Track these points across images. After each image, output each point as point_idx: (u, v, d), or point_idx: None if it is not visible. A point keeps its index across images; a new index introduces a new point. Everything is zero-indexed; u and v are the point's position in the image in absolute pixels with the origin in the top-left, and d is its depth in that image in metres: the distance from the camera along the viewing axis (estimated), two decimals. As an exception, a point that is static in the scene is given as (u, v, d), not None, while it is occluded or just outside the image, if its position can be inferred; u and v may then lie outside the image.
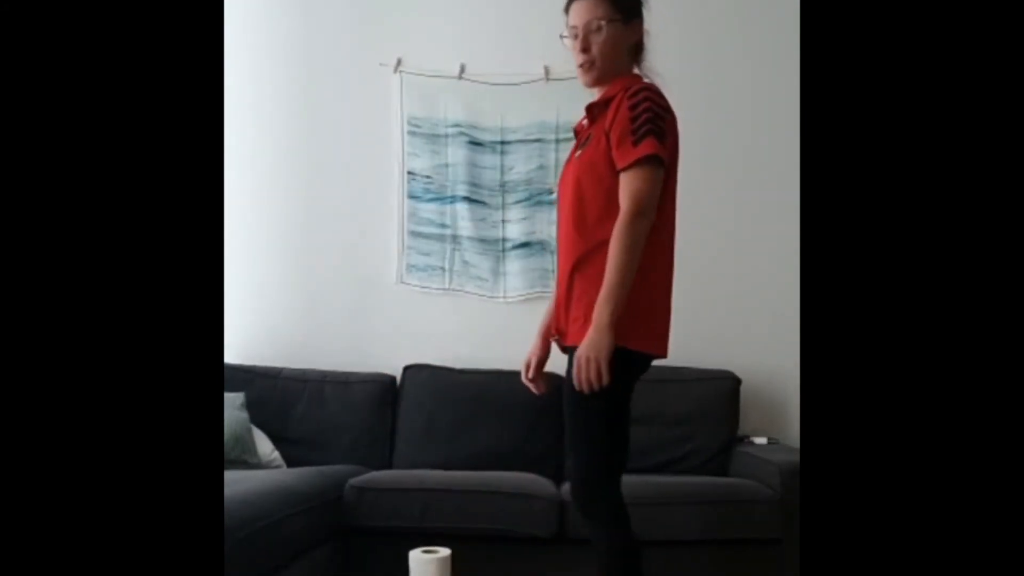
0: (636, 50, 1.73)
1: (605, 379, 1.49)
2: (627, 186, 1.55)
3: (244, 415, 2.72)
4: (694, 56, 3.18)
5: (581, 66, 1.70)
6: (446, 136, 3.17)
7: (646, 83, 1.67)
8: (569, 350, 1.65)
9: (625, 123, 1.57)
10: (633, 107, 1.57)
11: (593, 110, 1.71)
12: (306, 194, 3.22)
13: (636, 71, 1.74)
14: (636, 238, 1.52)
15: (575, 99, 3.11)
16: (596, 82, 1.71)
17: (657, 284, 1.62)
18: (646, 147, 1.54)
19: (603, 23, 1.65)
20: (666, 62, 3.40)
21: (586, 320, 1.56)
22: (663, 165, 1.57)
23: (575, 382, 1.53)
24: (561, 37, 1.73)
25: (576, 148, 1.74)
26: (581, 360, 1.50)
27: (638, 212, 1.53)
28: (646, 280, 1.57)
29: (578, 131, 1.80)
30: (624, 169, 1.56)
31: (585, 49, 1.67)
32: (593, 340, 1.50)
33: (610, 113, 1.61)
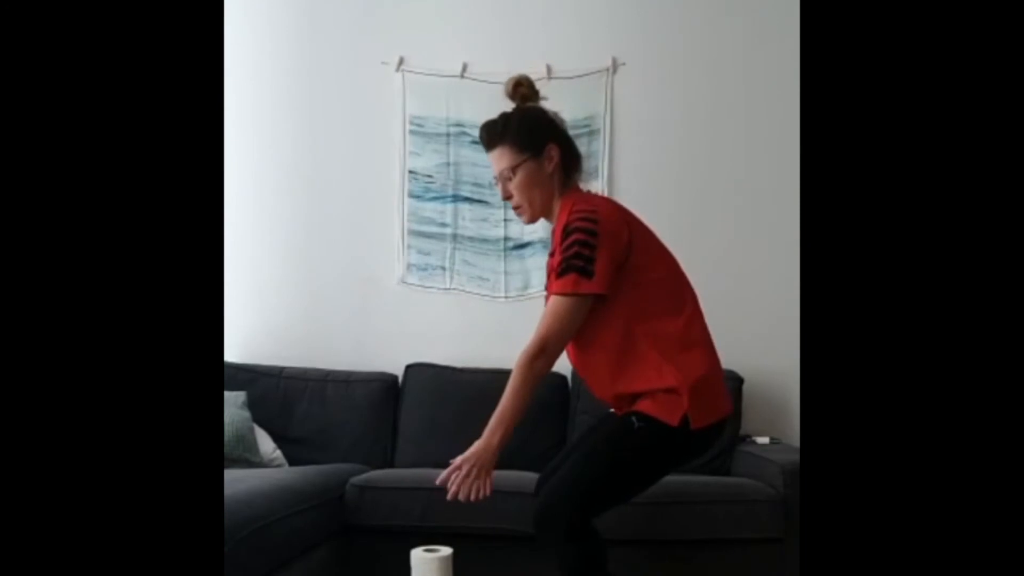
0: (566, 167, 1.75)
1: (484, 493, 1.61)
2: (543, 318, 1.63)
3: (246, 414, 2.72)
4: (695, 58, 3.18)
5: (514, 210, 1.78)
6: (448, 135, 3.17)
7: (575, 203, 1.67)
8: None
9: (556, 255, 1.63)
10: (563, 240, 1.62)
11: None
12: (307, 193, 3.22)
13: (572, 184, 1.76)
14: (532, 377, 1.60)
15: (577, 98, 3.15)
16: (534, 219, 1.77)
17: (660, 367, 1.63)
18: (564, 284, 1.59)
19: (514, 170, 1.71)
20: (667, 63, 3.41)
21: (618, 406, 1.70)
22: (588, 300, 1.61)
23: (449, 486, 1.61)
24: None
25: None
26: (460, 467, 1.60)
27: (539, 352, 1.61)
28: (640, 370, 1.63)
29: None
30: (551, 297, 1.63)
31: (508, 196, 1.75)
32: (477, 452, 1.60)
33: (556, 233, 1.68)
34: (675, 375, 1.60)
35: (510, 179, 1.72)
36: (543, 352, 1.60)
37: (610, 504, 1.66)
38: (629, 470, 1.64)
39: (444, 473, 1.61)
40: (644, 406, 1.62)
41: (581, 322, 1.62)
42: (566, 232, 1.61)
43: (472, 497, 1.60)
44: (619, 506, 1.70)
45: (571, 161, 1.75)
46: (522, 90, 1.75)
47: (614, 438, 1.65)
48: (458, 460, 1.60)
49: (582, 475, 1.61)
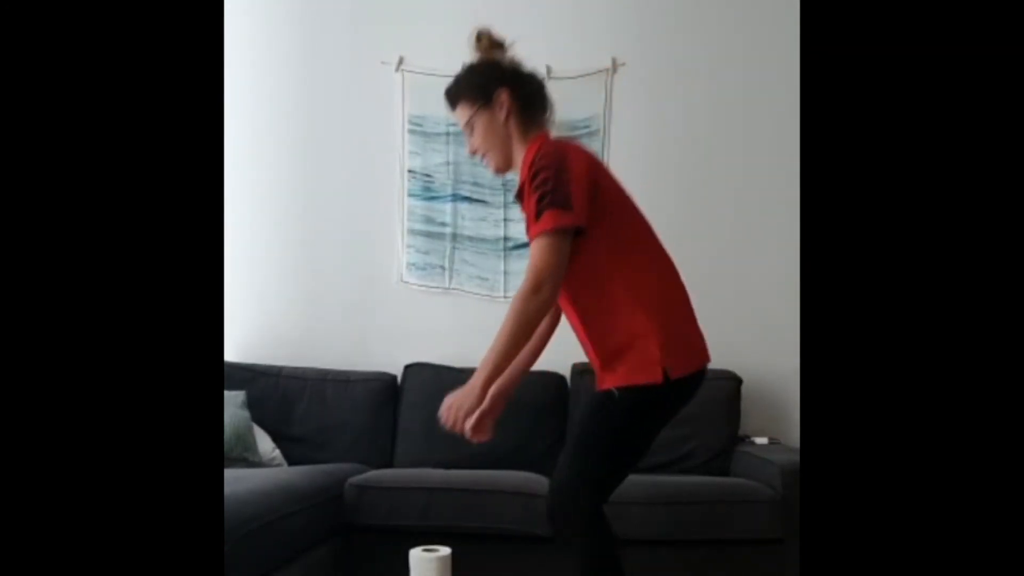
0: (523, 112, 1.73)
1: (466, 428, 1.60)
2: (531, 259, 1.57)
3: (245, 413, 2.72)
4: (694, 58, 3.18)
5: (482, 161, 1.78)
6: (447, 135, 3.17)
7: (541, 145, 1.65)
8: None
9: (528, 199, 1.59)
10: (531, 180, 1.59)
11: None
12: (307, 193, 3.22)
13: (537, 130, 1.74)
14: (527, 314, 1.54)
15: (577, 98, 3.15)
16: (501, 168, 1.76)
17: (634, 314, 1.62)
18: (544, 222, 1.54)
19: (471, 121, 1.73)
20: (666, 64, 3.41)
21: (602, 365, 1.65)
22: (569, 233, 1.56)
23: (443, 416, 1.60)
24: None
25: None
26: (446, 405, 1.60)
27: (534, 288, 1.54)
28: (616, 320, 1.61)
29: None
30: (532, 241, 1.58)
31: (474, 150, 1.76)
32: (463, 393, 1.59)
33: (523, 190, 1.65)
34: (647, 323, 1.59)
35: (471, 129, 1.74)
36: (538, 288, 1.54)
37: (617, 477, 1.64)
38: (624, 437, 1.62)
39: (441, 411, 1.62)
40: (622, 376, 1.60)
41: (567, 258, 1.58)
42: (534, 171, 1.59)
43: (468, 435, 1.62)
44: (628, 475, 1.67)
45: (528, 105, 1.74)
46: (483, 43, 1.77)
47: (600, 413, 1.64)
48: (447, 400, 1.60)
49: (583, 460, 1.59)
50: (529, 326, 1.56)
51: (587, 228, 1.58)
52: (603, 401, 1.64)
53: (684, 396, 1.68)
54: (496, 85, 1.71)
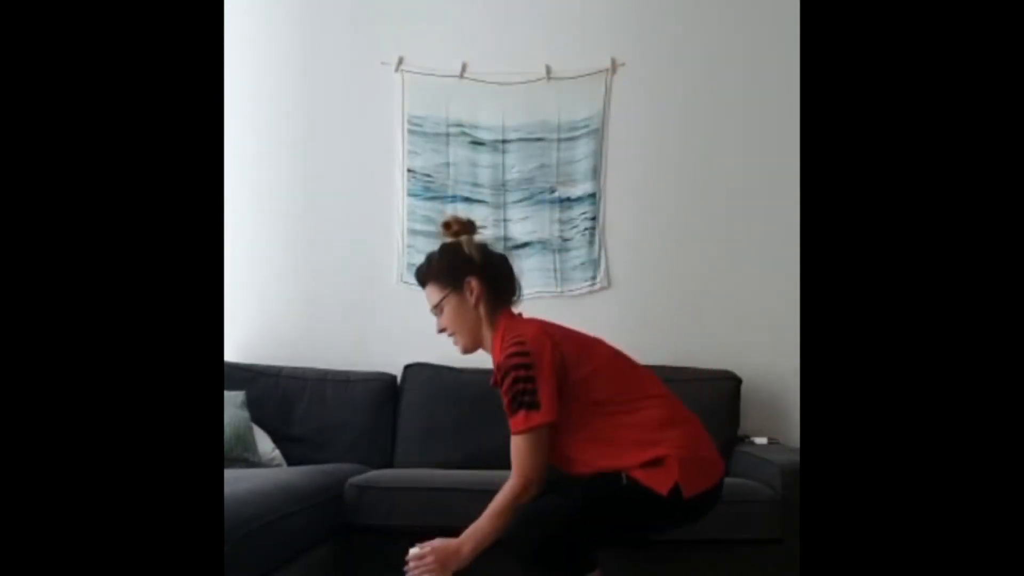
0: (491, 296, 1.80)
1: None
2: (513, 456, 1.67)
3: (245, 413, 2.72)
4: (693, 58, 3.18)
5: (450, 339, 1.85)
6: (447, 135, 3.17)
7: (505, 340, 1.72)
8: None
9: (505, 395, 1.67)
10: (503, 380, 1.67)
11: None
12: (307, 193, 3.22)
13: (503, 309, 1.82)
14: (517, 509, 1.64)
15: (576, 99, 3.15)
16: (468, 349, 1.85)
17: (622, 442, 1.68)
18: (517, 423, 1.64)
19: (440, 304, 1.82)
20: (666, 64, 3.41)
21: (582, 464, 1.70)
22: (544, 428, 1.64)
23: (409, 566, 1.65)
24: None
25: None
26: (431, 548, 1.65)
27: (524, 489, 1.65)
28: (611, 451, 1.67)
29: None
30: (513, 435, 1.67)
31: (442, 329, 1.85)
32: (445, 549, 1.65)
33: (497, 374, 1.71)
34: (661, 448, 1.63)
35: (440, 312, 1.83)
36: (527, 489, 1.65)
37: (579, 547, 1.65)
38: (607, 519, 1.66)
39: (411, 552, 1.67)
40: (634, 474, 1.63)
41: (548, 447, 1.67)
42: (502, 373, 1.67)
43: None
44: (591, 549, 1.70)
45: (497, 289, 1.82)
46: (454, 227, 1.84)
47: (599, 486, 1.66)
48: (426, 546, 1.66)
49: (559, 510, 1.61)
50: (512, 514, 1.65)
51: (569, 403, 1.67)
52: (609, 479, 1.65)
53: (699, 511, 1.71)
54: (466, 272, 1.79)
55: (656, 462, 1.62)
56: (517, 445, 1.66)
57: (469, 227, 1.85)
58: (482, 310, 1.80)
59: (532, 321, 1.80)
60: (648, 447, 1.64)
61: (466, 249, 1.81)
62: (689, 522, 1.74)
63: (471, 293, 1.79)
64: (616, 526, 1.69)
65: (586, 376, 1.70)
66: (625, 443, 1.66)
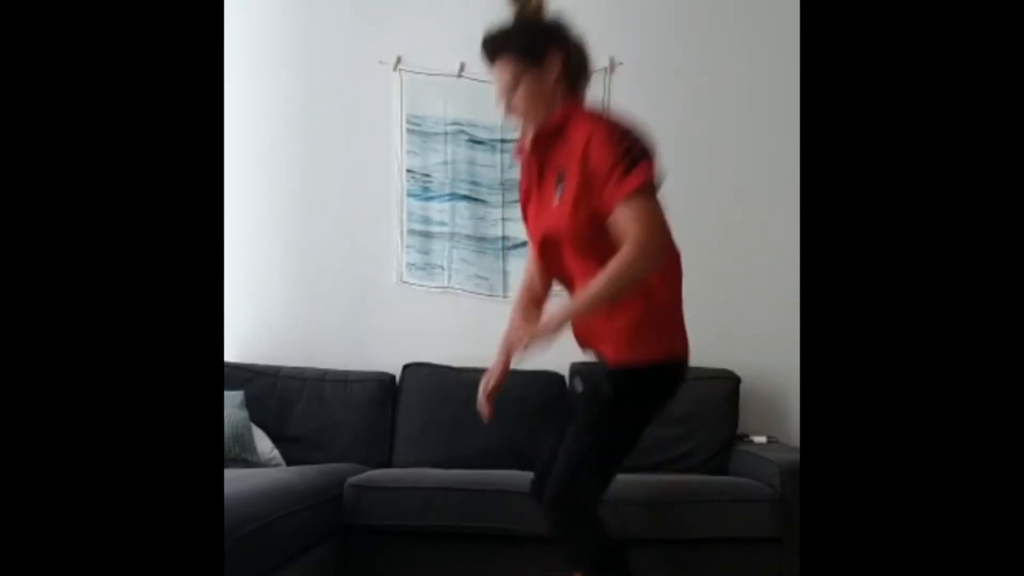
0: (571, 76, 1.63)
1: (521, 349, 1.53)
2: (631, 226, 1.45)
3: (243, 413, 2.72)
4: (692, 58, 3.18)
5: (515, 119, 1.66)
6: (445, 134, 3.17)
7: (615, 119, 1.59)
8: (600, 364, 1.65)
9: (609, 152, 1.49)
10: (611, 134, 1.51)
11: (541, 143, 1.63)
12: (305, 192, 3.22)
13: (578, 97, 1.66)
14: (646, 270, 1.47)
15: (575, 98, 3.14)
16: (541, 129, 1.63)
17: (663, 296, 1.64)
18: (637, 175, 1.47)
19: (517, 81, 1.61)
20: (664, 64, 3.40)
21: (620, 336, 1.58)
22: (656, 186, 1.50)
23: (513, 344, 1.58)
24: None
25: (535, 186, 1.67)
26: (516, 329, 1.60)
27: (658, 243, 1.47)
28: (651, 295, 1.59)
29: (526, 163, 1.70)
30: (624, 201, 1.46)
31: (513, 108, 1.63)
32: (542, 330, 1.51)
33: (577, 144, 1.53)
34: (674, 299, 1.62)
35: (514, 90, 1.62)
36: (661, 245, 1.49)
37: (617, 464, 1.62)
38: (639, 424, 1.62)
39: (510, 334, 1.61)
40: (648, 349, 1.59)
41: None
42: (610, 129, 1.53)
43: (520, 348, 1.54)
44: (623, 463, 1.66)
45: (577, 69, 1.65)
46: (533, 3, 1.66)
47: (595, 411, 1.62)
48: (518, 329, 1.60)
49: (583, 450, 1.58)
50: (642, 279, 1.49)
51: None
52: (596, 398, 1.61)
53: (674, 383, 1.68)
54: (549, 46, 1.61)
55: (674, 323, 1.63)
56: (636, 207, 1.45)
57: (543, 3, 1.64)
58: (559, 90, 1.61)
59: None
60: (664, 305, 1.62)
61: (552, 20, 1.64)
62: (671, 396, 1.68)
63: (552, 70, 1.60)
64: (626, 430, 1.63)
65: None
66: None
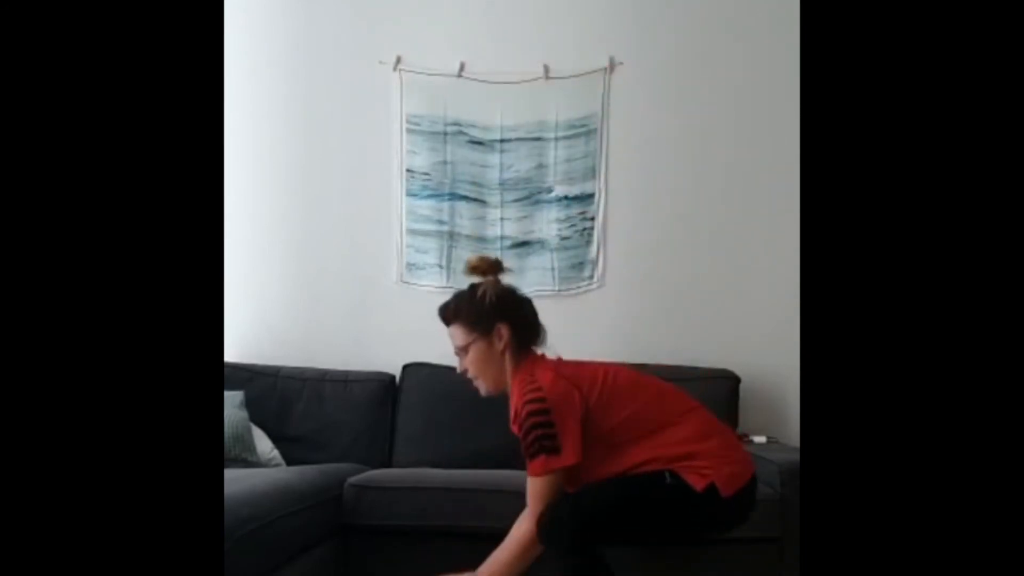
0: (518, 343, 1.78)
1: None
2: (529, 495, 1.69)
3: (243, 413, 2.72)
4: (691, 57, 3.18)
5: (472, 382, 1.83)
6: (445, 134, 3.16)
7: (521, 388, 1.70)
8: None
9: (523, 439, 1.66)
10: (521, 425, 1.66)
11: None
12: (305, 192, 3.22)
13: (527, 354, 1.80)
14: (533, 545, 1.68)
15: (574, 98, 3.14)
16: (491, 394, 1.82)
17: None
18: (536, 467, 1.64)
19: (467, 347, 1.79)
20: (664, 63, 3.41)
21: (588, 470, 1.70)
22: (558, 471, 1.64)
23: None
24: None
25: None
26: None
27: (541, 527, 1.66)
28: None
29: None
30: (528, 475, 1.68)
31: (464, 370, 1.82)
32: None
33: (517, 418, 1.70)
34: (701, 456, 1.66)
35: (466, 354, 1.80)
36: (541, 528, 1.67)
37: (617, 541, 1.71)
38: (648, 519, 1.69)
39: None
40: (675, 467, 1.65)
41: (561, 484, 1.67)
42: (520, 418, 1.66)
43: None
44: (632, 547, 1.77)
45: (524, 336, 1.80)
46: (481, 267, 1.82)
47: (641, 481, 1.68)
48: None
49: (599, 503, 1.65)
50: (533, 550, 1.70)
51: (599, 442, 1.67)
52: (652, 478, 1.66)
53: (741, 511, 1.72)
54: (496, 318, 1.77)
55: (693, 461, 1.65)
56: (534, 486, 1.67)
57: (496, 267, 1.83)
58: (508, 356, 1.79)
59: (551, 367, 1.77)
60: (687, 450, 1.67)
61: (495, 294, 1.79)
62: (735, 522, 1.76)
63: (500, 340, 1.77)
64: (655, 520, 1.70)
65: (615, 426, 1.70)
66: (666, 447, 1.68)
